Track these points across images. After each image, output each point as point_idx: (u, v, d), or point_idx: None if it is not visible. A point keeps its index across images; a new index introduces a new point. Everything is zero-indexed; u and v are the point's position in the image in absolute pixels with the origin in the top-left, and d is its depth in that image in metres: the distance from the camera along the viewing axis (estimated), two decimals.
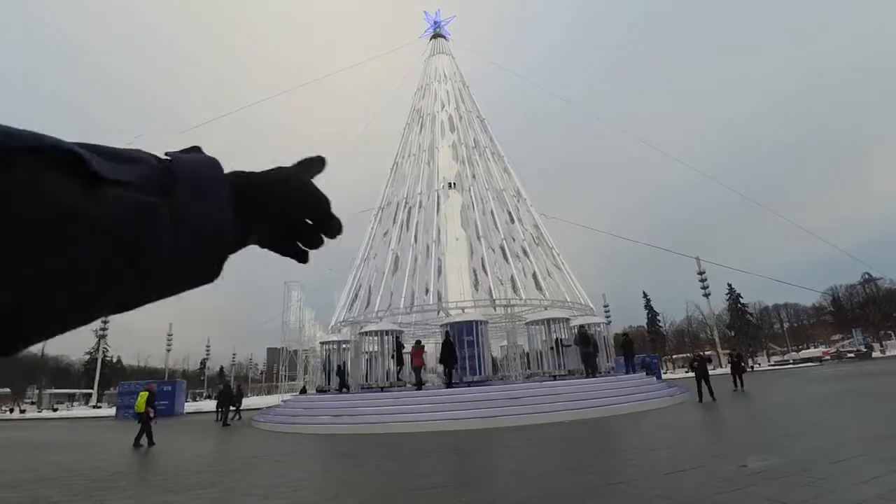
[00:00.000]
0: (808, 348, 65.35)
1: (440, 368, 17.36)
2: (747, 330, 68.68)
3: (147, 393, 13.35)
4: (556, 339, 17.21)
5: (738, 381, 18.72)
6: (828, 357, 51.82)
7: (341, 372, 19.53)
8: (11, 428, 25.04)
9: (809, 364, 48.04)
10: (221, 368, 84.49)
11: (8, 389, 61.04)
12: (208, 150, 0.32)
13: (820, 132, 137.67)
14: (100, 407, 43.42)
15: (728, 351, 20.12)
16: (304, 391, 29.55)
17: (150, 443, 12.45)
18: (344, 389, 18.80)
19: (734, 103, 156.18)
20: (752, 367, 52.18)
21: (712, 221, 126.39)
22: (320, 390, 20.44)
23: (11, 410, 44.72)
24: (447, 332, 16.69)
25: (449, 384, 15.55)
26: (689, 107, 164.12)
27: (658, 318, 77.63)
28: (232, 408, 21.13)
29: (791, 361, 54.91)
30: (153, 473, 8.27)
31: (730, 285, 69.96)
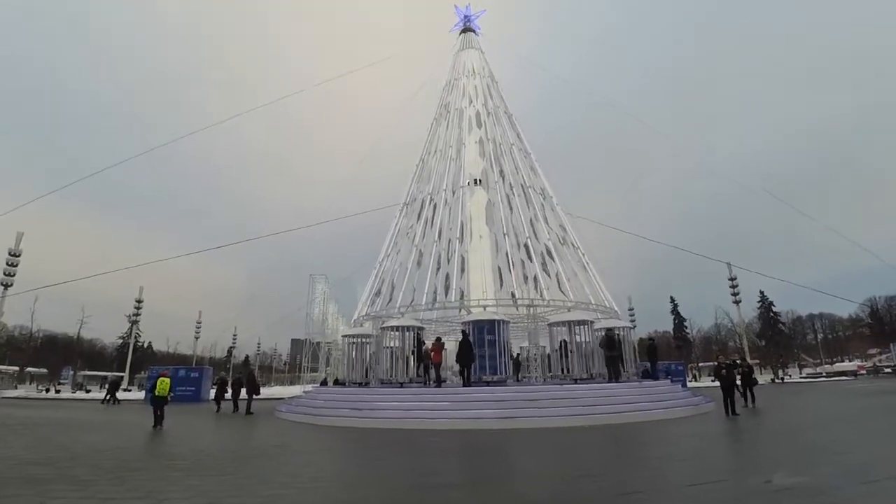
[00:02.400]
0: (842, 361, 62.77)
1: (457, 367, 17.34)
2: (779, 339, 66.38)
3: (168, 379, 14.36)
4: (561, 340, 16.96)
5: (748, 396, 16.53)
6: (863, 371, 49.74)
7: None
8: (47, 407, 26.14)
9: (843, 378, 46.15)
10: (247, 357, 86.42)
11: (45, 370, 63.87)
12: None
13: (861, 140, 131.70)
14: (130, 390, 44.83)
15: (735, 360, 18.55)
16: (324, 383, 30.03)
17: (160, 424, 13.24)
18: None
19: (771, 111, 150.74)
20: (783, 379, 50.48)
21: (745, 227, 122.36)
22: (337, 383, 21.11)
23: (47, 390, 46.70)
24: (464, 332, 16.64)
25: (465, 383, 15.53)
26: (723, 112, 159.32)
27: (685, 324, 75.79)
28: (227, 397, 20.95)
29: (824, 374, 52.88)
30: (177, 457, 8.50)
31: (762, 293, 67.64)
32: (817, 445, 8.47)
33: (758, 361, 35.04)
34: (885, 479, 5.42)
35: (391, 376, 17.79)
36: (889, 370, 47.88)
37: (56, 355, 68.96)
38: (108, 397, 29.74)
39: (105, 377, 65.55)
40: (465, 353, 15.59)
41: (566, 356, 16.58)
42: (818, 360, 69.17)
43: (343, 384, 19.99)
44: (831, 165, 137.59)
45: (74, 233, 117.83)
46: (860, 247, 30.40)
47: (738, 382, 17.07)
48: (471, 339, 16.15)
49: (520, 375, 21.90)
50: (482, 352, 16.28)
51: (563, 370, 16.51)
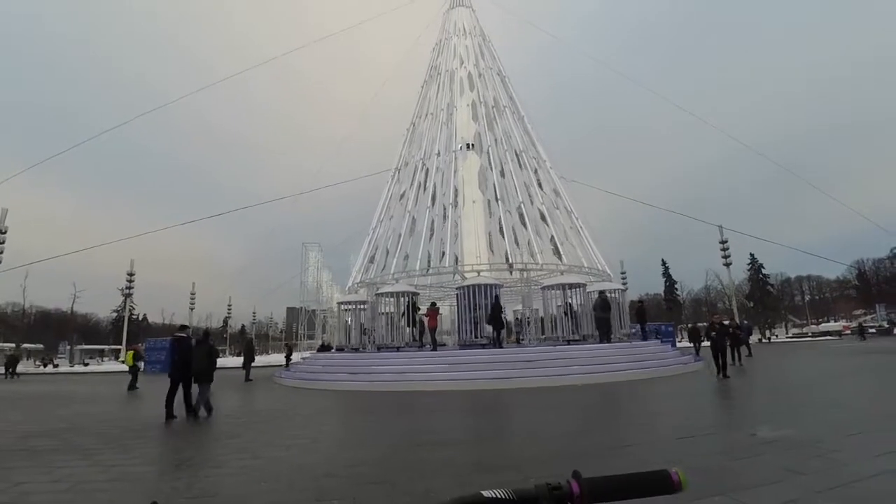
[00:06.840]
0: (828, 322, 64.24)
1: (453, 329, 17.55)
2: (767, 301, 67.57)
3: (133, 352, 18.71)
4: (566, 302, 17.13)
5: (735, 355, 17.01)
6: (848, 331, 50.96)
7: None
8: (45, 381, 26.20)
9: (828, 338, 47.34)
10: (243, 327, 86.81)
11: (41, 345, 63.96)
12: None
13: (854, 105, 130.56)
14: None
15: (721, 321, 18.72)
16: (321, 348, 30.41)
17: (134, 387, 16.18)
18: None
19: (763, 78, 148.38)
20: (770, 339, 51.71)
21: (736, 190, 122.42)
22: (338, 349, 21.34)
23: (45, 365, 46.85)
24: (497, 296, 16.79)
25: (496, 345, 15.86)
26: (716, 79, 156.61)
27: (676, 286, 76.78)
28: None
29: (809, 334, 54.18)
30: (179, 424, 8.63)
31: (752, 255, 68.34)
32: (800, 402, 8.73)
33: (746, 322, 35.72)
34: (867, 432, 5.60)
35: (387, 341, 17.97)
36: (873, 330, 49.08)
37: (50, 331, 68.76)
38: (9, 371, 29.80)
39: (101, 350, 65.93)
40: (495, 315, 15.84)
41: (573, 317, 16.72)
42: (805, 321, 70.70)
43: (340, 349, 20.25)
44: (821, 127, 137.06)
45: (63, 206, 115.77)
46: (847, 207, 30.66)
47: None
48: (465, 303, 16.30)
49: (517, 337, 22.27)
50: (477, 315, 16.45)
51: (572, 331, 16.63)
